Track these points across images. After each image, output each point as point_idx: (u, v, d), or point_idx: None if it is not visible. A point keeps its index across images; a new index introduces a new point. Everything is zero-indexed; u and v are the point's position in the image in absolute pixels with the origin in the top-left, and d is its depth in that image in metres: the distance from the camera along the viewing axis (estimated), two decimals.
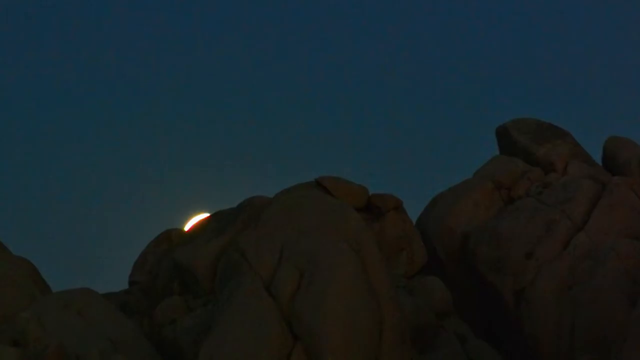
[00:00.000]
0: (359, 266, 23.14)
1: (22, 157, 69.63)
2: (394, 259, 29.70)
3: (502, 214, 30.66)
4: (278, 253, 23.61)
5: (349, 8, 78.32)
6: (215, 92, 76.80)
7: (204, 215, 30.45)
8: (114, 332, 23.96)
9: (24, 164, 69.86)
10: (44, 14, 75.20)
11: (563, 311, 26.76)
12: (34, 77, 73.28)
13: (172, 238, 30.81)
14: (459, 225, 31.21)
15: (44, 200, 69.19)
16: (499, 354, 27.03)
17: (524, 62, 77.92)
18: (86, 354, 22.68)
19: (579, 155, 33.77)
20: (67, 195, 70.09)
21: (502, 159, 34.39)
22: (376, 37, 79.09)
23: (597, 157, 34.80)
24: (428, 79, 79.54)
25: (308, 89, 77.75)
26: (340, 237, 23.93)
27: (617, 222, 28.62)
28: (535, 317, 27.32)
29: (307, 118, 76.21)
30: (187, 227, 31.14)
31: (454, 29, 79.50)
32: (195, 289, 26.61)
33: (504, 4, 79.29)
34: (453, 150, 74.05)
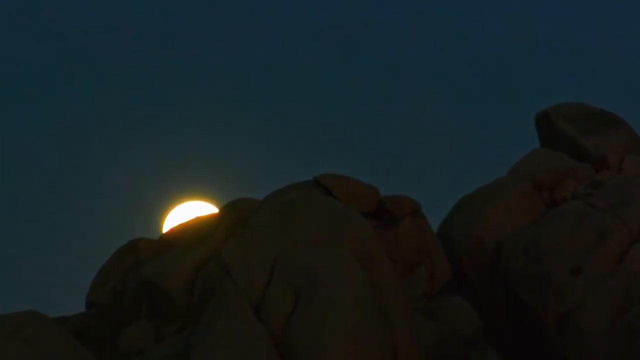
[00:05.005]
0: (368, 284, 22.88)
1: None
2: (411, 276, 29.59)
3: (543, 221, 30.25)
4: (269, 268, 23.26)
5: None
6: (204, 80, 77.05)
7: (179, 221, 30.48)
8: None
9: None
10: (43, 10, 75.93)
11: (617, 339, 26.44)
12: None
13: (140, 249, 30.73)
14: (490, 235, 30.71)
15: None
16: None
17: (566, 38, 77.68)
18: None
19: (637, 148, 33.68)
20: (8, 194, 69.85)
21: (542, 152, 34.00)
22: (393, 22, 79.28)
23: None
24: (452, 55, 79.48)
25: (312, 73, 77.82)
26: (344, 248, 23.89)
27: None
28: (583, 346, 26.86)
29: (306, 107, 76.14)
30: (157, 236, 31.20)
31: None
32: (168, 312, 26.16)
33: None
34: (482, 142, 73.55)
